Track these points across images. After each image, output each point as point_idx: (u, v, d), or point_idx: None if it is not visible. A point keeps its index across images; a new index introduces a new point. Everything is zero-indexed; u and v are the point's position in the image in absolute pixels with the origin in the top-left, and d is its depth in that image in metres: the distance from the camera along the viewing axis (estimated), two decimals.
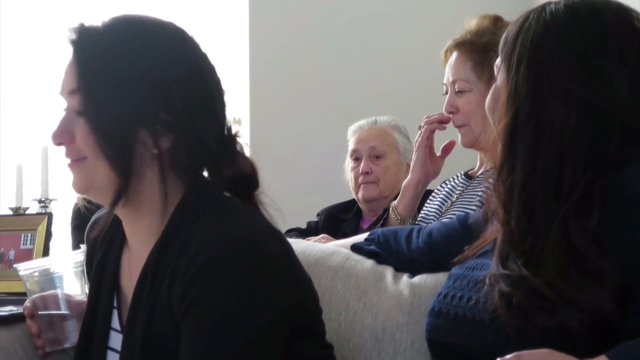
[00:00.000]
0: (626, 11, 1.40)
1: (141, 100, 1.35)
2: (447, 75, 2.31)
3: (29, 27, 4.41)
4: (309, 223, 3.36)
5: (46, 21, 4.33)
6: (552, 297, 1.27)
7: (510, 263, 1.34)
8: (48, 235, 2.79)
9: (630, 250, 1.26)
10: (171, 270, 1.33)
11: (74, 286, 1.59)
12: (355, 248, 1.80)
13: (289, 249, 1.42)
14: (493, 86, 1.50)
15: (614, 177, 1.32)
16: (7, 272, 2.69)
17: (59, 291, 1.56)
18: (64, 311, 1.54)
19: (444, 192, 2.43)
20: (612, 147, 1.34)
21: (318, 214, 3.40)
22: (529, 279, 1.30)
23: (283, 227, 2.64)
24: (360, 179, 3.18)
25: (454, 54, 2.29)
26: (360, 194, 3.20)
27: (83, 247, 1.60)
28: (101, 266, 1.51)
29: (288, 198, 4.62)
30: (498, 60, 1.47)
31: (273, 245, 1.36)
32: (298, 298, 1.39)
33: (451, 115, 2.29)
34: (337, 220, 3.27)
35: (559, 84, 1.35)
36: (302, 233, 3.13)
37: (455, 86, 2.27)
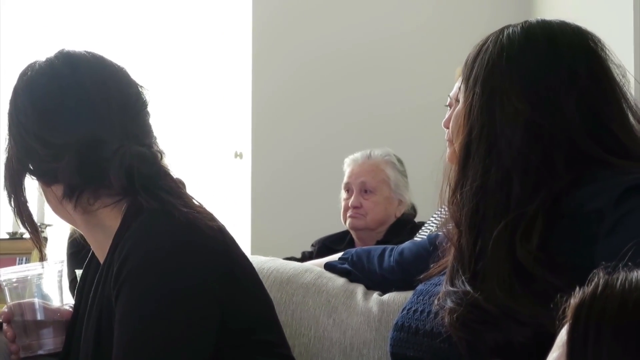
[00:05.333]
0: (581, 32, 1.43)
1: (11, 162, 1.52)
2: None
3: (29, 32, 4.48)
4: (303, 253, 3.42)
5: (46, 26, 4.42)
6: (492, 310, 1.28)
7: (457, 280, 1.36)
8: (42, 259, 2.84)
9: (587, 266, 1.28)
10: (112, 271, 1.40)
11: (51, 294, 1.63)
12: (328, 266, 1.83)
13: (217, 239, 1.43)
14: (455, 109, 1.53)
15: (571, 196, 1.34)
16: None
17: (36, 299, 1.60)
18: (39, 318, 1.58)
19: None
20: (561, 167, 1.36)
21: (312, 245, 3.45)
22: (470, 294, 1.32)
23: (280, 256, 2.68)
24: (349, 212, 3.26)
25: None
26: (347, 222, 3.27)
27: (60, 258, 1.66)
28: (84, 273, 1.63)
29: (285, 227, 4.64)
30: (459, 82, 1.50)
31: (204, 236, 1.39)
32: (227, 292, 1.41)
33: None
34: (330, 251, 3.31)
35: (510, 105, 1.37)
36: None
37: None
